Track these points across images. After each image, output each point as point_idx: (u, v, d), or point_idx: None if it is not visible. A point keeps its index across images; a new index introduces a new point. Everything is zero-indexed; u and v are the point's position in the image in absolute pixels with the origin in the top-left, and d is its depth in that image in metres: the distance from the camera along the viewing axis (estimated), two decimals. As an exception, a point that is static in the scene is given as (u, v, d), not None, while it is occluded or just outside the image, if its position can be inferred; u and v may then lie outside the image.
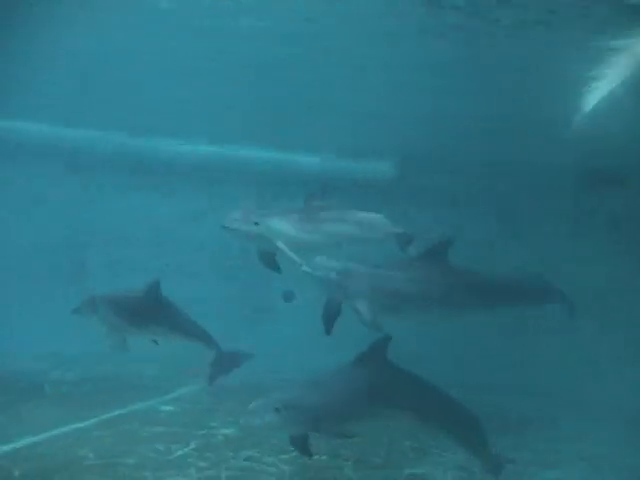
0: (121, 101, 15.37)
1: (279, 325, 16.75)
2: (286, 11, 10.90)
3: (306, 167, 18.34)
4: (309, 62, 12.87)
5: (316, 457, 9.44)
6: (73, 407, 12.23)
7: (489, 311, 9.67)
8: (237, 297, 17.92)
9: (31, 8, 11.23)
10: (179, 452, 10.19)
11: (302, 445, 8.22)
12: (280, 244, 9.50)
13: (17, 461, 9.28)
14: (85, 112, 16.43)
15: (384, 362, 8.23)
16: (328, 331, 9.05)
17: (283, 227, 9.67)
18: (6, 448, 9.81)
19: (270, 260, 9.90)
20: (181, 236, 18.60)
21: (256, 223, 9.44)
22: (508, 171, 16.71)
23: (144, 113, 15.97)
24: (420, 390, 8.33)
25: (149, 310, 10.45)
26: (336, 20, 11.17)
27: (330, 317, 9.10)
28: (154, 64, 13.34)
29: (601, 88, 12.43)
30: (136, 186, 18.87)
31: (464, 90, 13.50)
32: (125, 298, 10.70)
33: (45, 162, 18.31)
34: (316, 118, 15.72)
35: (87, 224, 18.70)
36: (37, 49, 12.93)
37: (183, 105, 15.28)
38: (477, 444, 8.58)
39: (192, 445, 10.50)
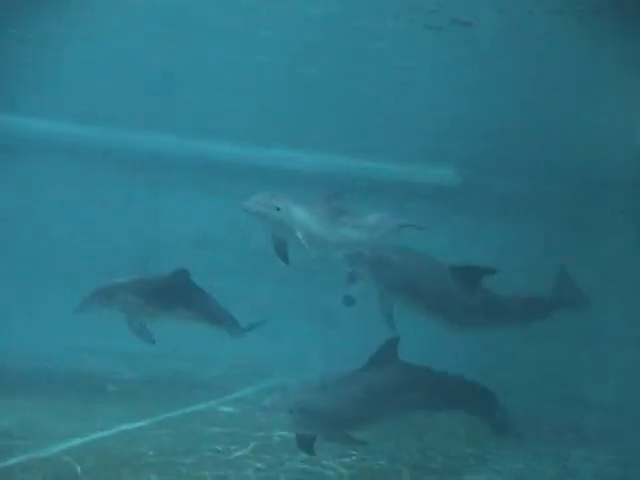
0: (202, 106, 15.67)
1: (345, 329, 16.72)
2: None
3: (373, 173, 18.27)
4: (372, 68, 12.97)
5: (374, 461, 9.37)
6: (135, 406, 12.39)
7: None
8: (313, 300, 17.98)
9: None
10: (238, 453, 10.23)
11: (308, 445, 8.22)
12: (299, 234, 9.31)
13: (79, 457, 9.42)
14: (166, 117, 16.74)
15: (395, 362, 8.28)
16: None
17: (304, 218, 9.46)
18: (69, 445, 9.97)
19: (282, 249, 9.70)
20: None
21: (278, 208, 9.21)
22: (579, 177, 16.41)
23: (224, 118, 16.22)
24: (434, 383, 8.45)
25: (176, 293, 10.46)
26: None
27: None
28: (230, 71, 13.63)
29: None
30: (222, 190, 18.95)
31: (532, 94, 13.36)
32: (151, 281, 10.73)
33: (134, 166, 18.60)
34: (376, 122, 15.76)
35: (173, 226, 18.98)
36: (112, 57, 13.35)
37: (263, 110, 15.49)
38: (488, 413, 8.85)
39: (250, 446, 10.54)
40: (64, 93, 15.95)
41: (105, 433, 10.62)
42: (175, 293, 10.69)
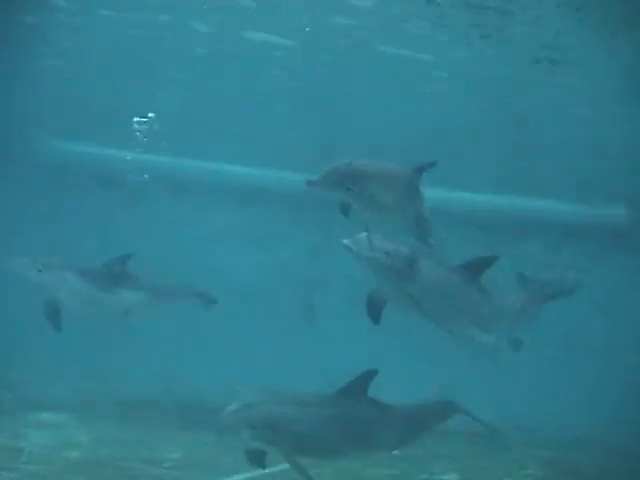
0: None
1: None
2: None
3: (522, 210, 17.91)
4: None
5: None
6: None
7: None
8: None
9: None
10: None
11: (258, 459, 7.55)
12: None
13: None
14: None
15: (364, 397, 7.72)
16: (376, 321, 8.24)
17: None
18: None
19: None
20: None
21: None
22: None
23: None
24: (401, 424, 7.94)
25: (117, 278, 10.18)
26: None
27: (375, 306, 8.22)
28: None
29: None
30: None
31: None
32: (87, 268, 10.31)
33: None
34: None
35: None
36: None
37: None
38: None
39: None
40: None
41: (272, 469, 10.63)
42: (116, 277, 10.30)
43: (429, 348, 15.28)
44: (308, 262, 18.41)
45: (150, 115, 15.67)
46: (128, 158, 17.23)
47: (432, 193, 18.61)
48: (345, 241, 7.66)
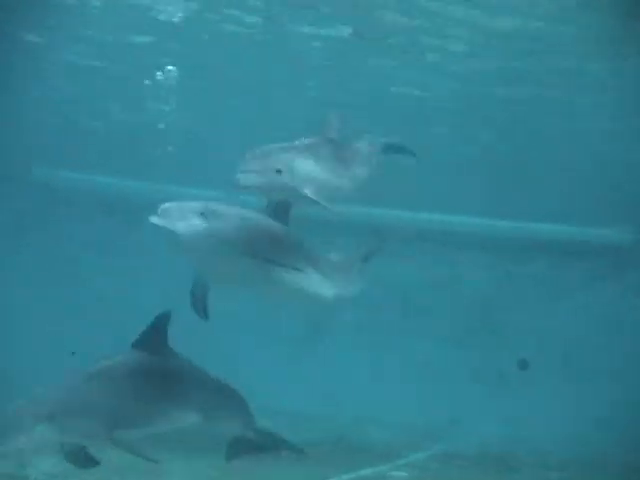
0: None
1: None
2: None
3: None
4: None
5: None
6: (303, 469, 12.25)
7: None
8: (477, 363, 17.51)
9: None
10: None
11: (82, 458, 6.40)
12: (308, 192, 7.20)
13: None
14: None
15: (164, 348, 6.65)
16: (203, 313, 7.29)
17: (312, 171, 7.35)
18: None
19: (285, 213, 7.59)
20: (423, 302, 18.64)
21: (279, 171, 6.96)
22: None
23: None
24: (209, 388, 6.93)
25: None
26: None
27: (199, 297, 7.29)
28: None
29: None
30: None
31: None
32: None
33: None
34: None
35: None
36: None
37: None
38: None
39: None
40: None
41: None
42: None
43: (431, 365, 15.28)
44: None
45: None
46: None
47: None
48: (153, 219, 6.45)
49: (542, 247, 17.32)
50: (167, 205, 6.55)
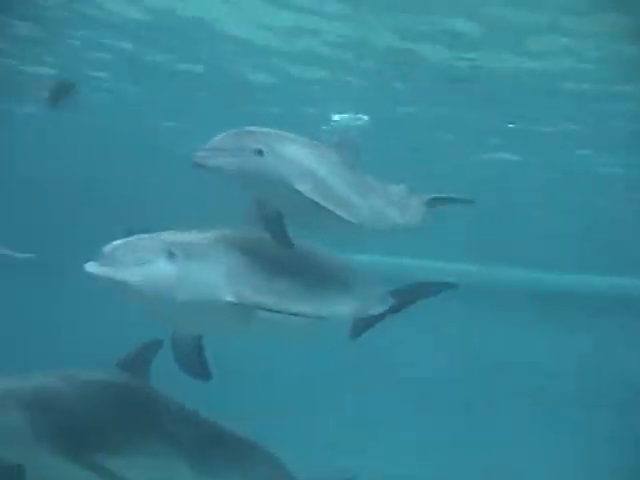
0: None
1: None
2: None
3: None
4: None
5: None
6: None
7: None
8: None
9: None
10: None
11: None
12: (301, 187, 5.37)
13: None
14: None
15: (146, 374, 6.03)
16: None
17: (311, 164, 5.55)
18: None
19: (275, 221, 5.57)
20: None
21: (260, 151, 5.21)
22: None
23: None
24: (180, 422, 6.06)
25: None
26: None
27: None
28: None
29: None
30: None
31: None
32: None
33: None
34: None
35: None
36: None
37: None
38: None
39: None
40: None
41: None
42: None
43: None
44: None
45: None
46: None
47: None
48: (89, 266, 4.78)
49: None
50: (113, 245, 4.87)
